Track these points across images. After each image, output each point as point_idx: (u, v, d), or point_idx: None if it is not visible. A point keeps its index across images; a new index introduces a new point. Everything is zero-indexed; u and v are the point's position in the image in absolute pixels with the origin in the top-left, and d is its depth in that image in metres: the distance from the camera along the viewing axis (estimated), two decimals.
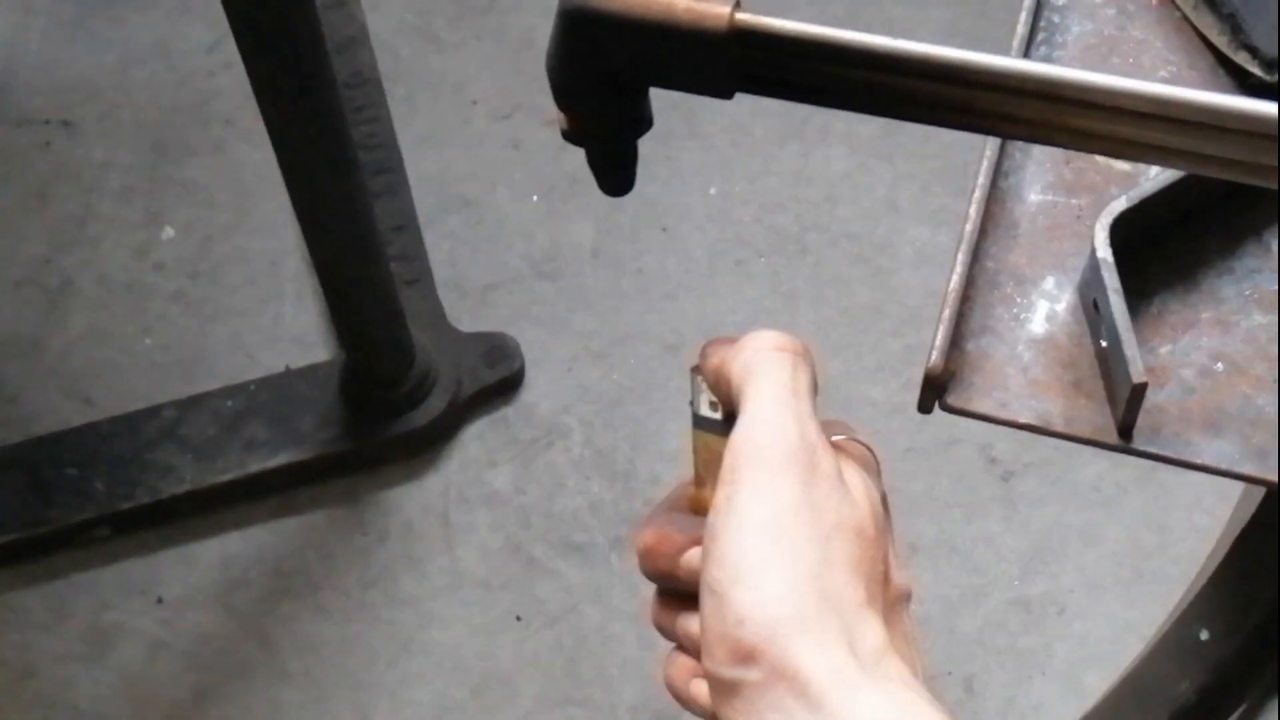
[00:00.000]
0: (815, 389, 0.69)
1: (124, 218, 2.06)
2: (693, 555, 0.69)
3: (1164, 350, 0.82)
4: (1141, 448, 0.78)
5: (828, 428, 0.70)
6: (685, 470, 0.75)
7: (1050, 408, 0.80)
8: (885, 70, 0.63)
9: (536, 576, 1.81)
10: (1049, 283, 0.84)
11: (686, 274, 1.99)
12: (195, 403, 1.87)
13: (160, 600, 1.81)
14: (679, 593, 0.70)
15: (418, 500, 1.86)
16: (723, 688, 0.64)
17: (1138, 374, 0.75)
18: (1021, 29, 0.91)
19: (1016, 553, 1.81)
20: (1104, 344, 0.79)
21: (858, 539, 0.65)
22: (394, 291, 1.77)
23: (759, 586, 0.63)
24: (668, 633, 0.72)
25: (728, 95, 0.66)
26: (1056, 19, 0.93)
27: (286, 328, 1.98)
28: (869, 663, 0.62)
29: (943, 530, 1.82)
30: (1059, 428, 0.79)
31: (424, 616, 1.80)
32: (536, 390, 1.92)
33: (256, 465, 1.83)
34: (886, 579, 0.67)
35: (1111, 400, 0.79)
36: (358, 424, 1.85)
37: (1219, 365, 0.81)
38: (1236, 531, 1.15)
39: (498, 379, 1.90)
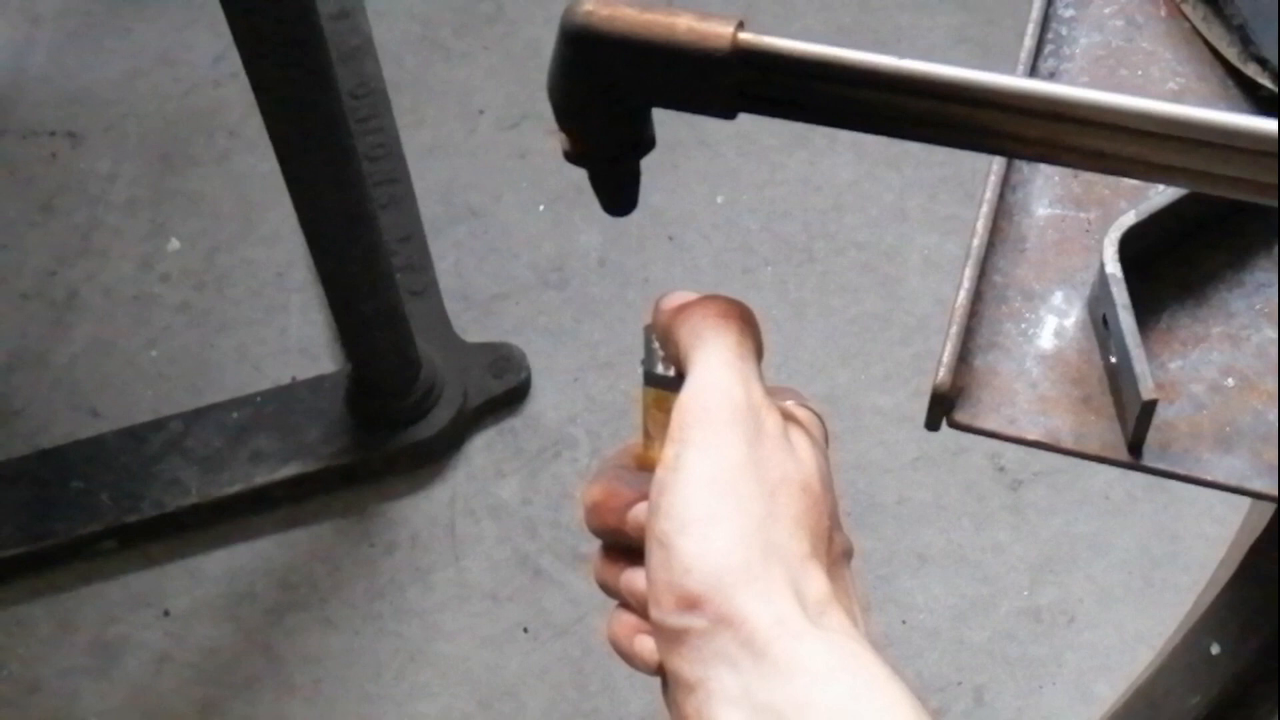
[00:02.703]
0: (760, 354, 0.70)
1: (129, 229, 2.06)
2: (639, 510, 0.70)
3: (1174, 365, 0.81)
4: (1151, 464, 0.78)
5: (780, 394, 0.72)
6: (635, 427, 0.76)
7: (1059, 424, 0.79)
8: (890, 90, 0.62)
9: (544, 588, 1.81)
10: (1057, 297, 0.83)
11: (693, 283, 1.98)
12: (201, 415, 1.86)
13: (167, 613, 1.80)
14: (625, 549, 0.71)
15: (424, 512, 1.86)
16: (669, 636, 0.65)
17: (1147, 390, 0.74)
18: (1029, 41, 0.90)
19: (1026, 562, 1.80)
20: (1113, 360, 0.78)
21: (802, 494, 0.67)
22: (400, 302, 1.77)
23: (706, 537, 0.64)
24: (611, 589, 0.73)
25: (730, 116, 0.65)
26: (1064, 30, 0.92)
27: (292, 339, 1.98)
28: (813, 613, 0.64)
29: (951, 540, 1.81)
30: (1068, 444, 0.78)
31: (431, 628, 1.79)
32: (543, 400, 1.92)
33: (263, 477, 1.83)
34: (830, 536, 0.68)
35: (1121, 416, 0.78)
36: (364, 435, 1.85)
37: (1229, 380, 0.80)
38: (1246, 543, 1.14)
39: (504, 389, 1.90)
